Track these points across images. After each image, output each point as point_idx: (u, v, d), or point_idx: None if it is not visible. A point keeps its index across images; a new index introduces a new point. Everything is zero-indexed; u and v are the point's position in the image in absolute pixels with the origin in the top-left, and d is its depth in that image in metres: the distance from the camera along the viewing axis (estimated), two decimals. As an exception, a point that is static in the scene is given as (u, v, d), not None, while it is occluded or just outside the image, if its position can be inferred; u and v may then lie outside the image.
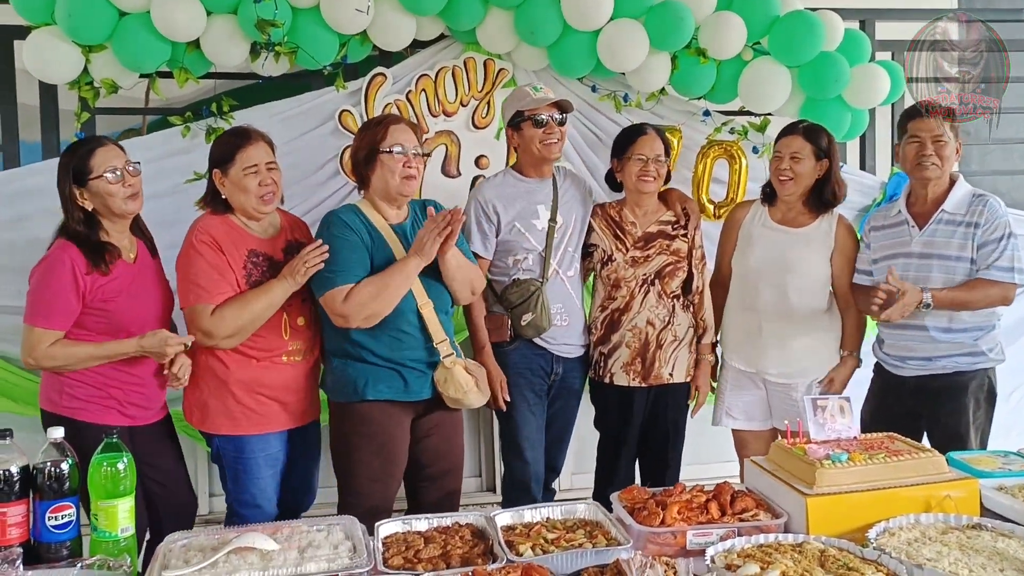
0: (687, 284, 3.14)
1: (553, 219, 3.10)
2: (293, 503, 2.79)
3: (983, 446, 2.93)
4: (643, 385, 3.11)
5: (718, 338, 3.29)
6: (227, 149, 2.63)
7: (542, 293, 3.03)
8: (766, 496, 2.10)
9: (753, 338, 3.12)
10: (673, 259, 3.10)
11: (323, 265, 2.55)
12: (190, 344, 2.55)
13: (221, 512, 3.87)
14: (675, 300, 3.12)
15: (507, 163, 3.75)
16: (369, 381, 2.60)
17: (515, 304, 3.02)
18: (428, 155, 3.04)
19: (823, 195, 3.07)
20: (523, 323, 3.01)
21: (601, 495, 3.10)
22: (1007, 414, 3.04)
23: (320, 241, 2.58)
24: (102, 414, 2.51)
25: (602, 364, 3.16)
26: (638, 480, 3.22)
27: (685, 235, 3.13)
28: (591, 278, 3.32)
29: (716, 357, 3.23)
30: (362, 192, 2.74)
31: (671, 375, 3.12)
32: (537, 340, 3.06)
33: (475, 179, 3.76)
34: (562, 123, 3.05)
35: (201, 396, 2.65)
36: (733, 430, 3.27)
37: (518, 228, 3.06)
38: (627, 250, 3.12)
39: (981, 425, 2.95)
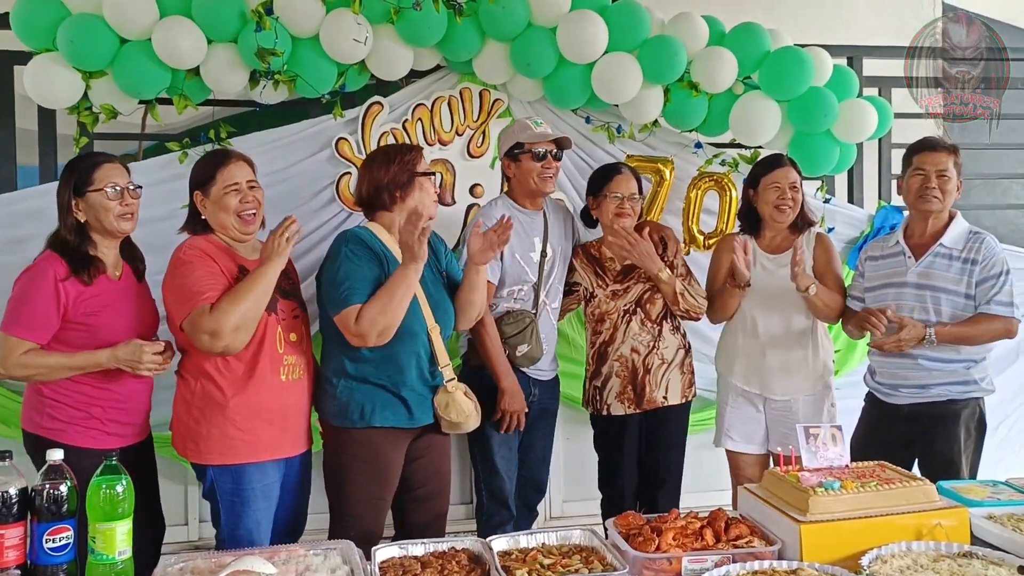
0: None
1: (544, 251, 3.18)
2: (283, 538, 2.67)
3: (973, 475, 2.97)
4: (638, 412, 3.17)
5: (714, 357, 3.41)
6: (207, 170, 2.63)
7: (535, 325, 3.11)
8: (760, 523, 2.12)
9: (757, 363, 3.22)
10: (652, 284, 3.18)
11: (299, 237, 2.59)
12: (163, 349, 2.51)
13: (210, 538, 3.86)
14: (661, 323, 3.20)
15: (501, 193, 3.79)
16: (376, 408, 2.60)
17: (510, 335, 3.08)
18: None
19: (804, 216, 3.24)
20: (518, 354, 3.07)
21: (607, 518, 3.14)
22: (995, 445, 3.09)
23: (291, 218, 2.54)
24: (82, 435, 2.49)
25: (598, 398, 3.24)
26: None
27: (664, 260, 3.17)
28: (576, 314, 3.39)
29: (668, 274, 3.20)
30: (367, 219, 2.77)
31: (665, 398, 3.18)
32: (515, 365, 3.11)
33: (470, 207, 3.80)
34: (558, 158, 3.16)
35: (195, 426, 2.54)
36: (728, 452, 3.32)
37: (518, 259, 3.13)
38: (607, 285, 3.22)
39: (972, 454, 2.99)
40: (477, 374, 3.07)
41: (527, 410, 3.08)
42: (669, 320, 3.23)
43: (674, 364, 3.21)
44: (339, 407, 2.63)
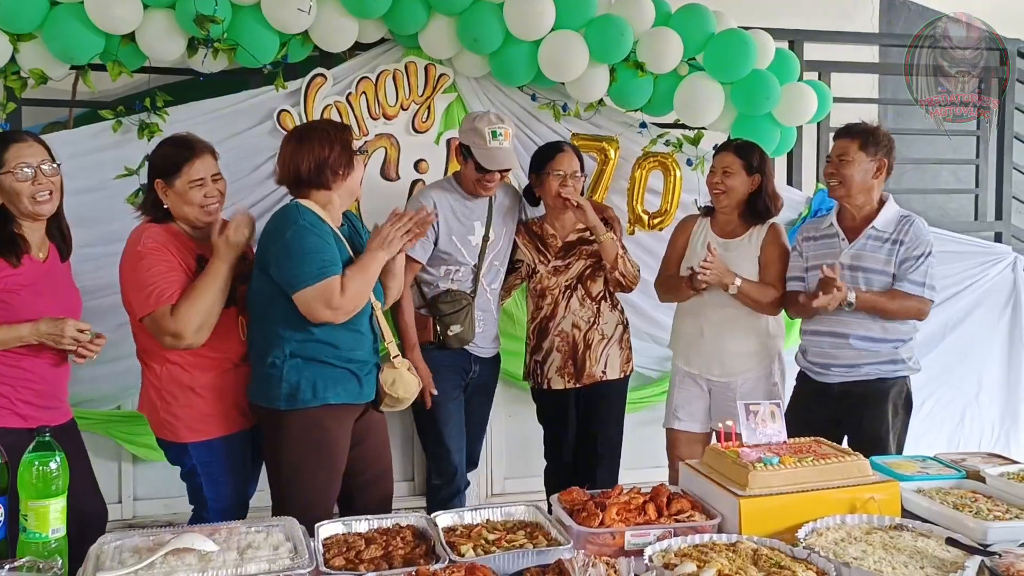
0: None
1: (487, 235, 3.19)
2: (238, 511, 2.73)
3: (900, 451, 3.07)
4: (578, 386, 3.23)
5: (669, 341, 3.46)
6: (172, 161, 2.56)
7: (472, 307, 3.14)
8: (701, 498, 2.15)
9: (697, 342, 3.28)
10: (592, 261, 3.23)
11: (247, 237, 2.53)
12: (88, 329, 2.41)
13: (147, 516, 3.80)
14: (600, 301, 3.25)
15: (446, 169, 3.77)
16: (329, 384, 2.51)
17: (445, 313, 3.11)
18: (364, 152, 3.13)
19: (756, 207, 3.24)
20: (450, 333, 3.10)
21: (550, 494, 3.18)
22: (919, 423, 3.20)
23: (246, 210, 2.53)
24: None
25: (539, 372, 3.29)
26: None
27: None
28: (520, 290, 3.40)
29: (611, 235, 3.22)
30: (298, 195, 2.60)
31: (604, 373, 3.24)
32: None
33: (414, 183, 3.77)
34: (505, 171, 3.12)
35: (170, 408, 2.56)
36: (667, 430, 3.38)
37: (455, 242, 3.13)
38: (548, 261, 3.26)
39: (899, 431, 3.09)
40: (422, 351, 3.10)
41: (434, 391, 3.07)
42: (608, 297, 3.28)
43: (613, 340, 3.27)
44: (288, 388, 2.50)
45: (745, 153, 3.22)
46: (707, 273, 3.06)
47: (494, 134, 3.06)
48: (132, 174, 3.35)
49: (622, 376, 3.32)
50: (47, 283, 2.47)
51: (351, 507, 2.71)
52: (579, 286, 3.24)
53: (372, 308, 2.61)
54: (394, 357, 2.65)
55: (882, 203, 3.09)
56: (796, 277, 3.18)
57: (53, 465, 1.79)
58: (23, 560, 1.71)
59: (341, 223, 2.65)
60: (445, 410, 3.14)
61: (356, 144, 2.66)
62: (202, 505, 2.64)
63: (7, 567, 1.68)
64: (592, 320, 3.24)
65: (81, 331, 2.40)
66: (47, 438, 1.83)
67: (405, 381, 2.64)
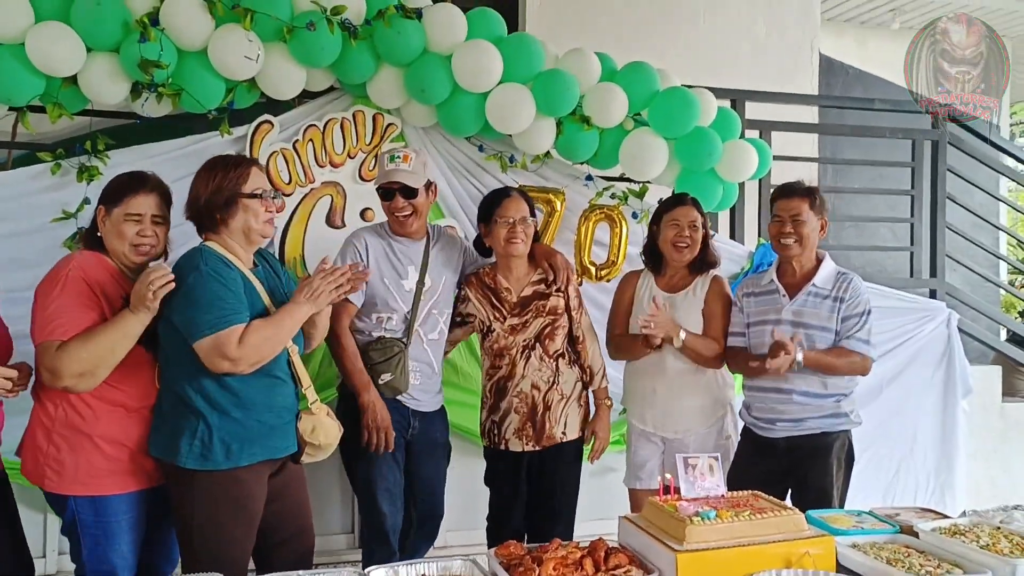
0: (571, 337, 3.19)
1: (421, 280, 3.10)
2: (152, 572, 2.58)
3: (842, 504, 3.09)
4: (537, 448, 3.14)
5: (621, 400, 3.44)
6: (116, 189, 2.50)
7: (404, 355, 3.01)
8: (639, 552, 2.14)
9: (650, 399, 3.27)
10: (551, 319, 3.14)
11: (172, 289, 2.31)
12: (14, 375, 2.30)
13: (70, 572, 3.64)
14: (558, 359, 3.16)
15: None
16: (244, 443, 2.38)
17: (376, 362, 2.99)
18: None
19: (706, 259, 3.27)
20: (381, 382, 2.98)
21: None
22: (856, 475, 3.24)
23: (162, 263, 2.38)
24: None
25: (496, 432, 3.17)
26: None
27: (559, 290, 3.16)
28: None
29: (611, 400, 3.27)
30: (204, 235, 2.49)
31: (564, 434, 3.15)
32: None
33: (362, 231, 3.74)
34: (411, 195, 3.02)
35: (56, 453, 2.37)
36: (630, 490, 3.36)
37: (386, 285, 3.04)
38: (504, 318, 3.14)
39: (842, 484, 3.12)
40: (354, 403, 2.98)
41: (392, 432, 2.98)
42: (567, 353, 3.19)
43: (572, 398, 3.18)
44: (200, 447, 2.34)
45: (700, 207, 3.28)
46: (652, 327, 3.06)
47: (391, 158, 3.05)
48: (70, 217, 3.29)
49: (580, 435, 3.22)
50: None
51: (269, 566, 2.48)
52: (538, 344, 3.13)
53: (289, 353, 2.51)
54: (312, 403, 2.55)
55: (819, 260, 3.15)
56: (737, 332, 3.22)
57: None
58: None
59: (254, 263, 2.54)
60: (377, 470, 3.00)
61: (251, 186, 2.45)
62: (81, 568, 2.43)
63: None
64: (552, 380, 3.13)
65: (7, 378, 2.28)
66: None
67: (325, 427, 2.54)
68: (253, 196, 2.46)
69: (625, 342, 3.32)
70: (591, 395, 3.25)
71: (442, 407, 3.26)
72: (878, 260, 6.16)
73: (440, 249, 3.20)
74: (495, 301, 3.16)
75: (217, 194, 2.43)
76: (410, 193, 3.02)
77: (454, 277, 3.22)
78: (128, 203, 2.46)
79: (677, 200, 3.31)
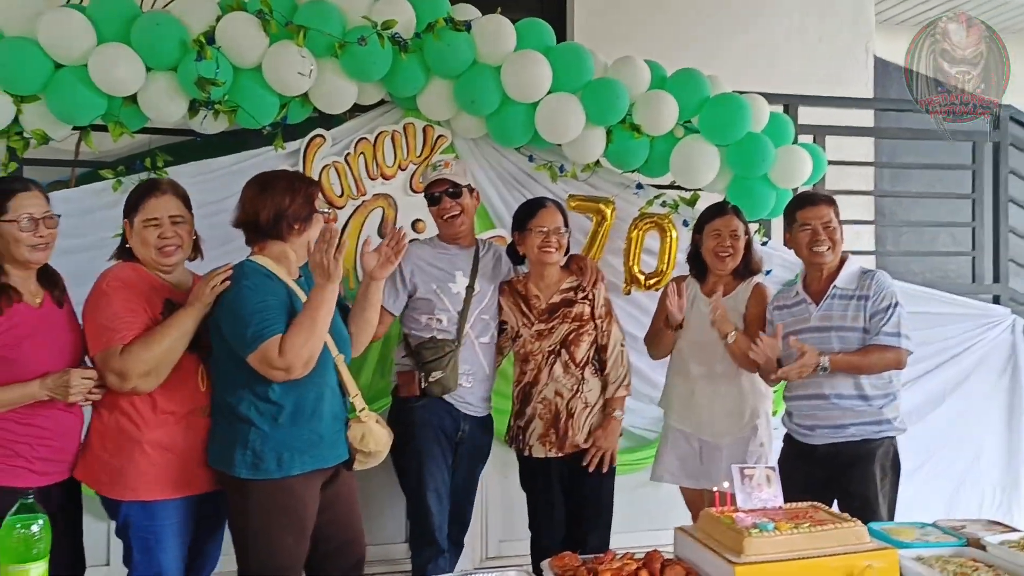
0: (596, 343, 3.22)
1: (471, 285, 3.19)
2: None
3: (891, 514, 3.03)
4: (559, 455, 3.16)
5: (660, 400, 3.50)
6: (134, 199, 2.59)
7: (455, 355, 3.10)
8: (696, 564, 2.11)
9: (688, 401, 3.33)
10: (576, 325, 3.17)
11: (222, 298, 2.43)
12: (93, 375, 2.42)
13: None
14: (584, 368, 3.18)
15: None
16: (295, 453, 2.43)
17: (427, 360, 3.07)
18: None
19: (749, 265, 3.34)
20: (431, 379, 3.06)
21: (535, 559, 3.17)
22: (917, 486, 3.16)
23: (228, 265, 2.48)
24: (9, 475, 2.36)
25: (520, 437, 3.23)
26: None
27: (586, 297, 3.20)
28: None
29: (623, 411, 3.26)
30: (253, 243, 2.58)
31: (587, 441, 3.16)
32: (445, 397, 3.11)
33: (411, 243, 3.77)
34: (456, 196, 3.17)
35: (110, 460, 2.47)
36: (681, 489, 3.40)
37: (434, 290, 3.15)
38: (532, 324, 3.20)
39: (888, 493, 3.06)
40: (406, 405, 3.08)
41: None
42: (592, 363, 3.21)
43: (597, 408, 3.19)
44: (252, 457, 2.40)
45: (741, 215, 3.36)
46: (716, 314, 3.17)
47: (434, 167, 3.22)
48: (131, 232, 3.37)
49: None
50: (47, 329, 2.48)
51: (320, 575, 2.59)
52: (563, 351, 3.16)
53: (335, 362, 2.55)
54: (360, 411, 2.58)
55: (842, 262, 3.15)
56: None
57: (35, 528, 1.78)
58: (-1, 626, 1.68)
59: (299, 276, 2.60)
60: (427, 468, 3.06)
61: (320, 203, 2.60)
62: (132, 570, 2.51)
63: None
64: (576, 388, 3.15)
65: (87, 378, 2.40)
66: (30, 500, 1.81)
67: (375, 435, 2.58)
68: (322, 212, 2.60)
69: (655, 335, 3.44)
70: (605, 403, 3.22)
71: (489, 415, 3.31)
72: (939, 266, 6.02)
73: (489, 260, 3.30)
74: (524, 307, 3.23)
75: (303, 207, 2.53)
76: (456, 193, 3.16)
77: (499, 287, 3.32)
78: (144, 209, 2.55)
79: (718, 210, 3.37)
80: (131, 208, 2.57)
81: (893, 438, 3.08)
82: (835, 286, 3.09)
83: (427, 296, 3.15)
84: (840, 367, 2.99)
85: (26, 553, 1.76)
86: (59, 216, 2.54)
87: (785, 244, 3.34)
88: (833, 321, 3.07)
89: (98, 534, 3.65)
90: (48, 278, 2.58)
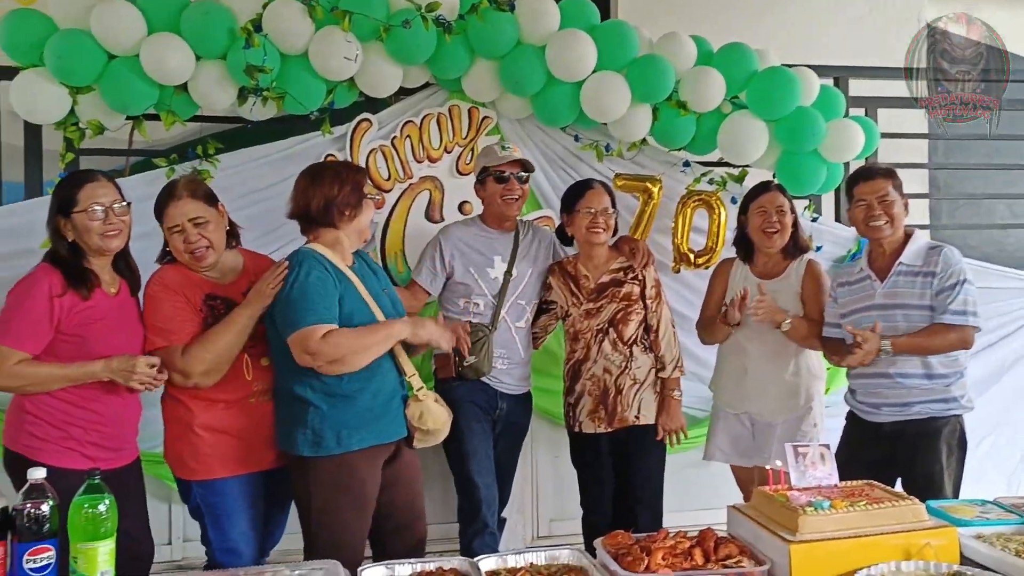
0: (645, 324, 3.22)
1: (509, 271, 3.23)
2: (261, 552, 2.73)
3: (956, 493, 2.98)
4: (609, 430, 3.19)
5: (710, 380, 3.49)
6: (157, 205, 2.64)
7: (489, 340, 3.14)
8: (750, 542, 2.10)
9: (741, 380, 3.31)
10: (624, 304, 3.19)
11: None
12: (157, 363, 2.50)
13: (196, 557, 3.81)
14: (632, 346, 3.20)
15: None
16: (353, 430, 2.50)
17: None
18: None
19: (797, 242, 3.30)
20: (465, 363, 3.09)
21: (587, 537, 3.24)
22: (977, 463, 3.10)
23: (285, 263, 2.55)
24: (60, 456, 2.44)
25: (571, 415, 3.28)
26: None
27: (635, 278, 3.22)
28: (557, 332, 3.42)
29: (681, 391, 3.28)
30: (307, 232, 2.65)
31: (637, 417, 3.19)
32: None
33: (452, 225, 3.78)
34: (524, 181, 3.23)
35: (174, 445, 2.63)
36: (732, 467, 3.40)
37: (472, 273, 3.20)
38: (581, 303, 3.23)
39: (954, 472, 3.00)
40: (445, 386, 3.11)
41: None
42: (641, 341, 3.23)
43: (646, 384, 3.21)
44: (312, 436, 2.49)
45: (785, 191, 3.32)
46: (759, 313, 3.11)
47: (503, 147, 3.26)
48: (184, 220, 3.43)
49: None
50: (119, 317, 2.56)
51: (383, 552, 2.66)
52: (611, 329, 3.20)
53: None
54: (418, 390, 2.62)
55: (908, 237, 3.08)
56: (832, 324, 3.17)
57: (102, 507, 1.82)
58: (72, 602, 1.74)
59: (352, 262, 2.66)
60: (470, 444, 3.12)
61: (368, 189, 2.68)
62: (209, 546, 2.64)
63: (57, 609, 1.71)
64: (624, 365, 3.19)
65: (152, 366, 2.48)
66: (97, 480, 1.86)
67: (433, 413, 2.62)
68: (370, 198, 2.68)
69: (709, 324, 3.40)
70: (662, 385, 3.25)
71: (528, 392, 3.35)
72: (996, 239, 5.84)
73: (530, 242, 3.32)
74: (574, 287, 3.26)
75: (352, 194, 2.60)
76: (525, 177, 3.22)
77: (544, 270, 3.34)
78: (165, 218, 2.60)
79: (763, 187, 3.34)
80: (158, 215, 2.63)
81: (960, 416, 3.02)
82: (900, 262, 3.02)
83: (465, 280, 3.20)
84: (903, 349, 2.93)
85: (94, 532, 1.81)
86: (128, 204, 2.60)
87: (849, 222, 3.28)
88: (899, 298, 3.00)
89: (160, 514, 3.79)
90: (126, 266, 2.67)
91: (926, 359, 2.97)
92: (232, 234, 2.74)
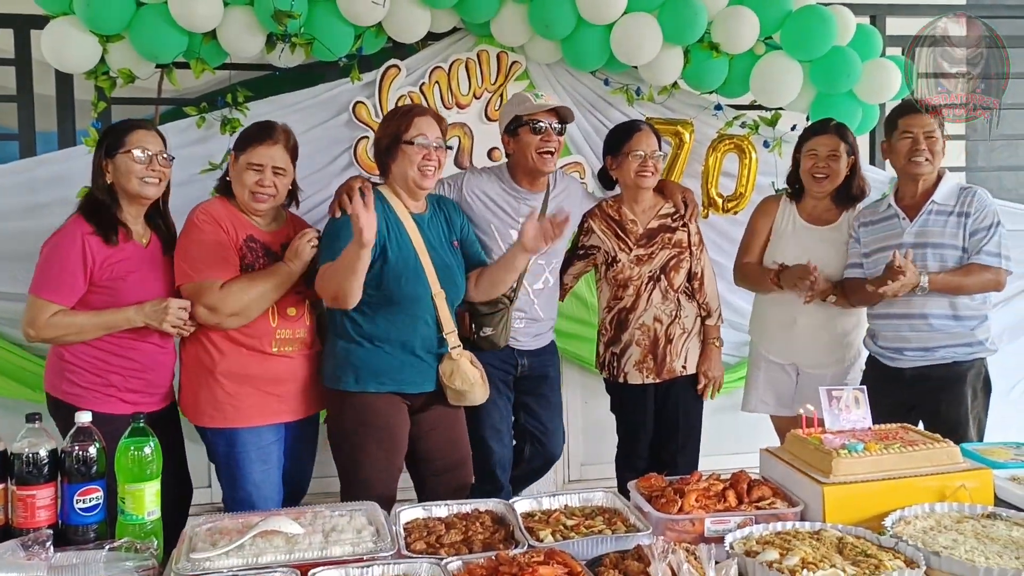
0: (690, 272, 3.18)
1: None
2: (285, 501, 2.75)
3: (981, 436, 2.98)
4: (657, 381, 3.15)
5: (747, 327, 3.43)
6: (246, 137, 2.67)
7: (508, 313, 2.97)
8: (783, 485, 2.12)
9: (787, 330, 3.23)
10: (676, 251, 3.13)
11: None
12: (188, 306, 2.55)
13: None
14: (681, 293, 3.16)
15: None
16: (371, 374, 2.58)
17: (481, 313, 2.93)
18: (450, 148, 2.95)
19: (850, 191, 3.17)
20: (482, 334, 2.93)
21: (621, 481, 3.21)
22: (1009, 407, 3.07)
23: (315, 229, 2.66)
24: (101, 402, 2.50)
25: (615, 364, 3.20)
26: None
27: (684, 226, 3.16)
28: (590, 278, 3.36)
29: (722, 340, 3.26)
30: (384, 179, 2.72)
31: (684, 367, 3.16)
32: None
33: (471, 173, 3.74)
34: (560, 132, 2.98)
35: (192, 388, 2.65)
36: (772, 417, 3.36)
37: (495, 234, 3.00)
38: (631, 249, 3.13)
39: (979, 415, 2.99)
40: (472, 349, 2.94)
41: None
42: (687, 288, 3.18)
43: (693, 333, 3.18)
44: (335, 370, 2.62)
45: (844, 134, 3.16)
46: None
47: (536, 95, 3.01)
48: (216, 168, 3.45)
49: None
50: (150, 269, 2.61)
51: (426, 495, 2.73)
52: (663, 277, 3.12)
53: (433, 297, 2.62)
54: (453, 348, 2.65)
55: (939, 177, 3.02)
56: (854, 264, 3.11)
57: (147, 450, 1.87)
58: (121, 541, 1.80)
59: (425, 208, 2.70)
60: (484, 408, 2.92)
61: (412, 133, 2.60)
62: (224, 491, 2.69)
63: (107, 547, 1.76)
64: (674, 314, 3.13)
65: (183, 308, 2.53)
66: (141, 424, 1.90)
67: (463, 373, 2.63)
68: (411, 143, 2.60)
69: (754, 273, 3.27)
70: (704, 331, 3.22)
71: (551, 342, 3.22)
72: (1033, 181, 5.73)
73: (559, 196, 3.12)
74: (620, 232, 3.15)
75: (383, 139, 2.64)
76: (562, 128, 2.98)
77: (576, 221, 3.16)
78: (252, 152, 2.62)
79: (819, 127, 3.20)
80: (240, 145, 2.65)
81: (984, 359, 3.00)
82: (933, 200, 2.96)
83: (484, 238, 2.97)
84: (939, 287, 2.88)
85: (140, 473, 1.86)
86: (173, 158, 2.66)
87: (883, 154, 3.20)
88: (930, 237, 2.94)
89: (200, 457, 3.87)
90: (162, 221, 2.71)
91: (954, 300, 2.93)
92: (292, 195, 2.77)
